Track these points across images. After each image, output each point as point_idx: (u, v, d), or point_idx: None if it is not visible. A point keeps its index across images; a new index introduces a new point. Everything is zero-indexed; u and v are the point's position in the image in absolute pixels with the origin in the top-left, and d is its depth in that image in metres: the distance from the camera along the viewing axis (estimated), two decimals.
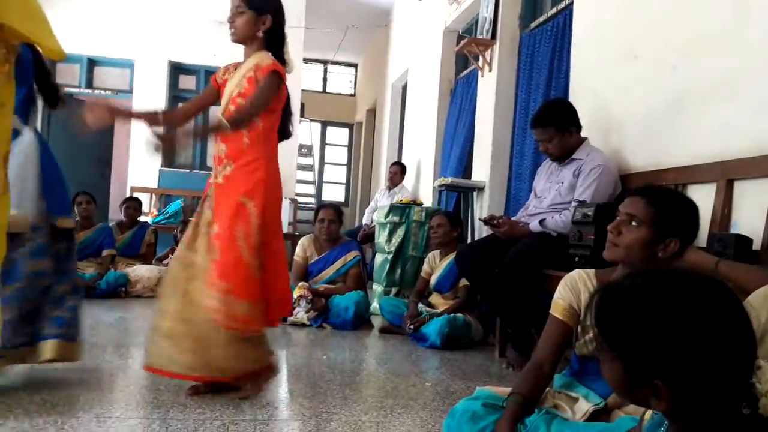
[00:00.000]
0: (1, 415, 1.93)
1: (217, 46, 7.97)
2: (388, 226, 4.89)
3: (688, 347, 0.82)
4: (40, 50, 2.21)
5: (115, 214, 6.57)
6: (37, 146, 2.27)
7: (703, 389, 0.83)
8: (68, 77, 8.04)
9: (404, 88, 8.43)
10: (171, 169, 8.19)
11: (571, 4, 3.86)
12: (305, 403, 2.28)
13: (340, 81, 13.06)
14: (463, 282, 3.78)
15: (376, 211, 5.67)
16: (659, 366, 0.84)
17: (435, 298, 4.06)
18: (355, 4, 8.91)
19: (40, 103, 2.42)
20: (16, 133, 2.20)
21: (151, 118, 2.20)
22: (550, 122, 3.07)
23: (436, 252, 4.17)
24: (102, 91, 8.25)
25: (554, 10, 4.28)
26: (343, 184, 12.91)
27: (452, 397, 2.48)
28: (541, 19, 4.53)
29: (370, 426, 2.07)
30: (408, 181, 6.93)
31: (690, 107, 2.67)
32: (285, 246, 2.52)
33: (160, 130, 2.16)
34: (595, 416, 1.55)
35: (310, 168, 11.52)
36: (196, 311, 2.21)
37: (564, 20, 4.02)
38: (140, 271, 5.17)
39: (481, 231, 4.63)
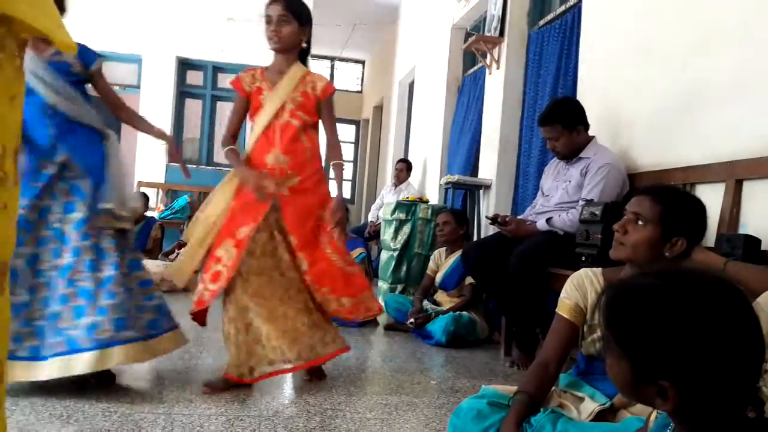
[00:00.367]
0: (7, 408, 1.95)
1: (225, 42, 7.99)
2: (394, 223, 4.89)
3: (696, 348, 0.81)
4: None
5: None
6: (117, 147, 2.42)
7: (710, 391, 0.82)
8: None
9: (411, 86, 8.41)
10: (178, 164, 8.21)
11: (580, 1, 3.84)
12: (310, 399, 2.29)
13: (348, 78, 13.06)
14: (469, 280, 3.78)
15: (382, 208, 5.67)
16: (666, 366, 0.83)
17: (440, 296, 4.06)
18: (363, 0, 8.90)
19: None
20: (103, 135, 2.34)
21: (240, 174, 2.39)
22: (557, 120, 3.06)
23: (442, 250, 4.17)
24: None
25: (563, 8, 4.26)
26: (349, 180, 12.91)
27: (457, 395, 2.48)
28: (550, 16, 4.51)
29: (374, 423, 2.07)
30: (414, 178, 6.92)
31: (699, 106, 2.65)
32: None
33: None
34: (601, 416, 1.55)
35: None
36: (286, 309, 2.36)
37: (572, 18, 4.00)
38: (147, 266, 5.17)
39: (488, 229, 4.62)
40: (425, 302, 3.98)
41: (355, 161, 12.82)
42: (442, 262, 4.08)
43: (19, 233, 2.02)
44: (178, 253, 5.71)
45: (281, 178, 2.38)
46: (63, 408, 1.99)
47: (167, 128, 8.33)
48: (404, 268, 4.81)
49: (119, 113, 2.49)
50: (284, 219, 2.40)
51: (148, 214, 6.27)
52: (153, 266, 5.20)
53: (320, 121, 2.53)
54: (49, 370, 2.07)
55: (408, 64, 8.34)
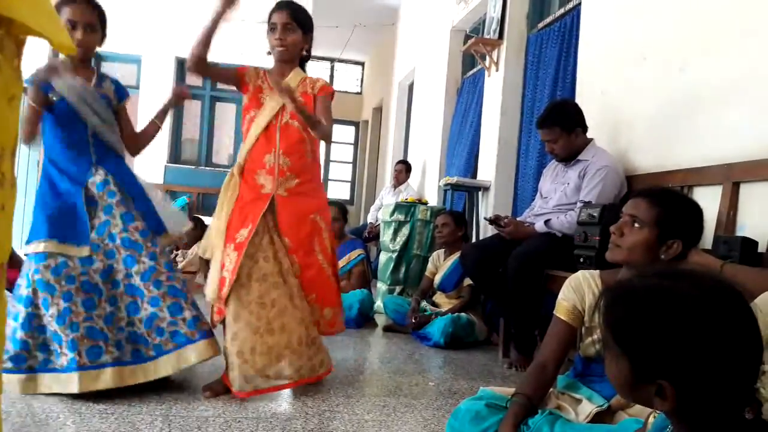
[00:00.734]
0: (3, 411, 1.94)
1: (222, 42, 7.98)
2: (393, 224, 4.89)
3: (695, 348, 0.82)
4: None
5: None
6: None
7: (708, 391, 0.83)
8: None
9: (411, 87, 8.42)
10: (177, 165, 8.21)
11: (579, 4, 3.85)
12: (308, 401, 2.29)
13: (347, 79, 13.06)
14: (467, 281, 3.78)
15: (381, 210, 5.67)
16: (665, 365, 0.84)
17: (439, 298, 4.06)
18: (362, 2, 8.90)
19: None
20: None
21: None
22: (556, 123, 3.07)
23: (441, 251, 4.17)
24: None
25: (562, 11, 4.27)
26: (348, 182, 12.91)
27: (455, 396, 2.48)
28: (549, 19, 4.52)
29: (372, 425, 2.07)
30: (413, 179, 6.92)
31: (697, 109, 2.66)
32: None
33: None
34: (598, 418, 1.55)
35: None
36: (289, 320, 2.30)
37: (571, 21, 4.01)
38: None
39: (486, 231, 4.62)
40: (424, 303, 3.98)
41: (354, 162, 12.82)
42: (440, 264, 4.08)
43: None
44: (176, 254, 5.70)
45: (280, 178, 2.37)
46: (59, 410, 1.99)
47: (166, 129, 8.35)
48: (403, 269, 4.81)
49: (132, 143, 2.57)
50: (279, 220, 2.36)
51: None
52: None
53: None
54: (163, 368, 2.22)
55: (407, 65, 8.35)
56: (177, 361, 2.23)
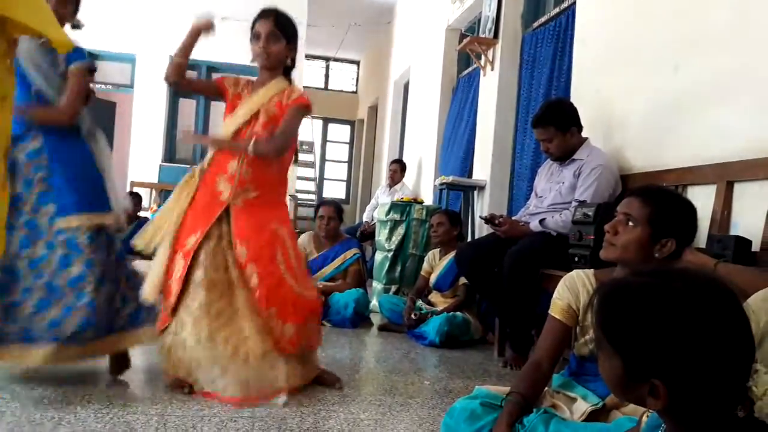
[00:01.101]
0: None
1: (219, 42, 7.96)
2: (388, 223, 4.89)
3: (687, 347, 0.82)
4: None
5: None
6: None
7: (700, 390, 0.83)
8: None
9: (406, 86, 8.42)
10: (171, 164, 8.19)
11: (574, 4, 3.86)
12: (303, 400, 2.28)
13: (342, 78, 13.05)
14: (463, 280, 3.78)
15: (376, 209, 5.67)
16: (658, 364, 0.84)
17: (435, 297, 4.06)
18: (357, 1, 8.90)
19: None
20: (86, 134, 2.33)
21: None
22: (551, 122, 3.07)
23: (436, 251, 4.17)
24: (102, 86, 8.24)
25: (557, 10, 4.28)
26: (343, 181, 12.91)
27: (451, 395, 2.48)
28: (544, 18, 4.53)
29: (368, 424, 2.07)
30: (409, 179, 6.92)
31: (691, 108, 2.67)
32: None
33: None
34: (593, 416, 1.55)
35: (310, 165, 11.52)
36: (240, 334, 2.19)
37: (566, 20, 4.01)
38: (138, 267, 5.15)
39: (482, 230, 4.63)
40: (420, 303, 3.98)
41: (349, 162, 12.82)
42: (436, 263, 4.09)
43: None
44: None
45: (239, 189, 2.30)
46: (55, 410, 1.98)
47: (161, 128, 8.32)
48: (398, 268, 4.81)
49: (62, 112, 2.30)
50: (235, 229, 2.27)
51: (141, 214, 6.25)
52: (146, 267, 5.19)
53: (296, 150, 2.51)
54: (1, 355, 2.11)
55: (403, 64, 8.35)
56: (17, 357, 2.12)
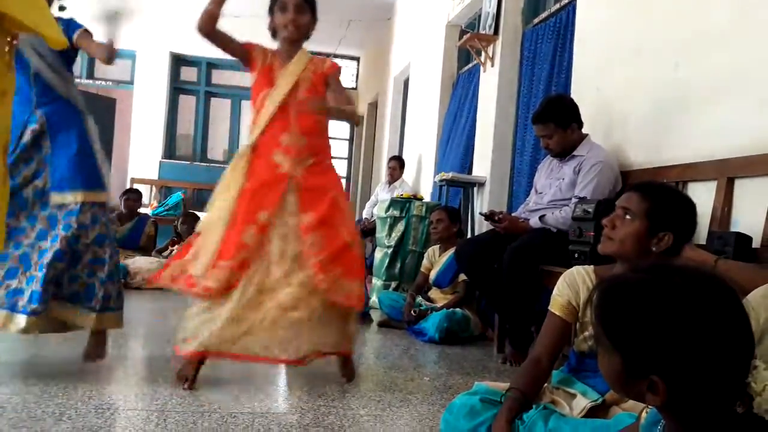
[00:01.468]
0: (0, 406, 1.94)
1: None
2: (388, 220, 4.89)
3: (687, 343, 0.82)
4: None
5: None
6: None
7: (700, 386, 0.83)
8: None
9: (406, 82, 8.41)
10: (171, 160, 8.19)
11: (574, 0, 3.85)
12: (303, 396, 2.29)
13: (342, 74, 13.01)
14: (462, 277, 3.79)
15: (376, 205, 5.67)
16: (657, 360, 0.84)
17: (434, 293, 4.07)
18: None
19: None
20: (82, 113, 2.38)
21: None
22: (551, 118, 3.07)
23: (436, 247, 4.18)
24: (103, 82, 8.24)
25: (557, 6, 4.27)
26: (343, 177, 12.90)
27: (450, 391, 2.48)
28: (544, 14, 4.52)
29: (367, 420, 2.07)
30: (408, 175, 6.91)
31: (692, 105, 2.67)
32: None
33: None
34: (592, 412, 1.56)
35: None
36: (303, 300, 2.27)
37: (567, 16, 4.01)
38: (139, 263, 5.17)
39: (482, 226, 4.63)
40: (420, 299, 3.99)
41: (349, 158, 12.80)
42: (435, 260, 4.09)
43: None
44: (171, 250, 5.69)
45: (298, 158, 2.38)
46: (55, 405, 1.99)
47: (161, 124, 8.31)
48: (398, 265, 4.81)
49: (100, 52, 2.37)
50: (300, 199, 2.35)
51: (142, 210, 6.25)
52: (146, 263, 5.20)
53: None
54: None
55: (403, 61, 8.34)
56: None
